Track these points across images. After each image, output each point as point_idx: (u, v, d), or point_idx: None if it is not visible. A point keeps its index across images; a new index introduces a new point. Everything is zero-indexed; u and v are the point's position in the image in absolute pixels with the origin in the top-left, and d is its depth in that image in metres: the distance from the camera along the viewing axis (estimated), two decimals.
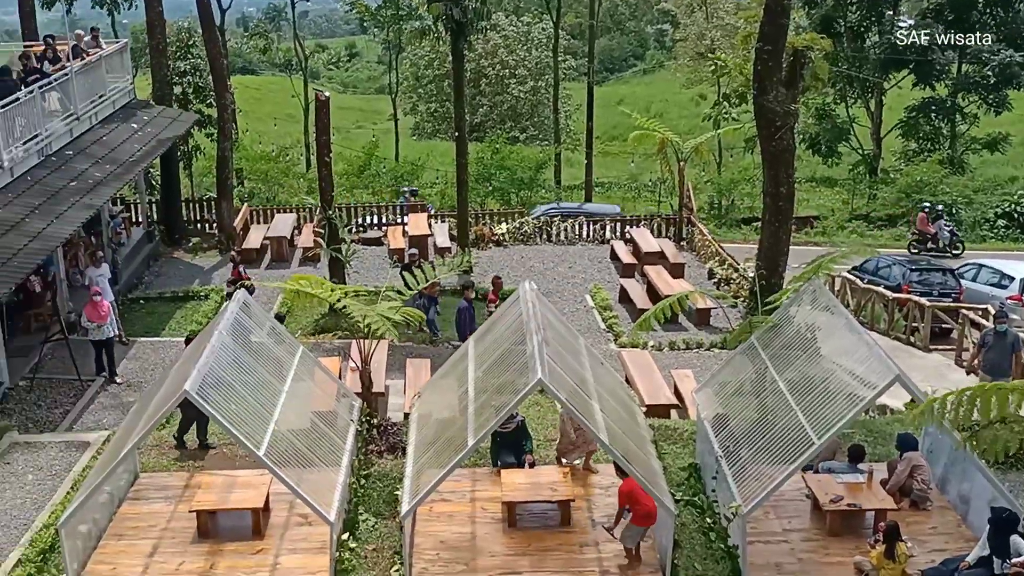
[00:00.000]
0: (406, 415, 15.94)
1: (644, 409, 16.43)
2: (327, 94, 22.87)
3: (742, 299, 23.71)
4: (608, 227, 30.40)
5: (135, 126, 25.83)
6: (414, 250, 23.44)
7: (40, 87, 21.29)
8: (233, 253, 23.34)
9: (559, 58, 48.37)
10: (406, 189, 34.41)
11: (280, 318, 18.60)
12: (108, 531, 12.96)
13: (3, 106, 19.55)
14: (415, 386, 17.29)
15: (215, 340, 13.00)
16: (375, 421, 15.44)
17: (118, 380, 18.85)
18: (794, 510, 13.45)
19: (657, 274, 25.51)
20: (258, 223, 30.33)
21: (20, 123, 20.46)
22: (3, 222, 17.94)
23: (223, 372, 12.49)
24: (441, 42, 42.70)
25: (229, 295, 20.53)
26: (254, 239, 28.20)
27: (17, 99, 20.21)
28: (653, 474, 12.47)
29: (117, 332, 19.70)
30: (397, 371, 19.02)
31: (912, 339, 23.19)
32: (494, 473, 14.20)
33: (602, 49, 75.92)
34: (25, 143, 20.53)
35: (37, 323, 20.62)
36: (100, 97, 25.03)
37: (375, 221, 30.73)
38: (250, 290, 19.62)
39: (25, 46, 27.29)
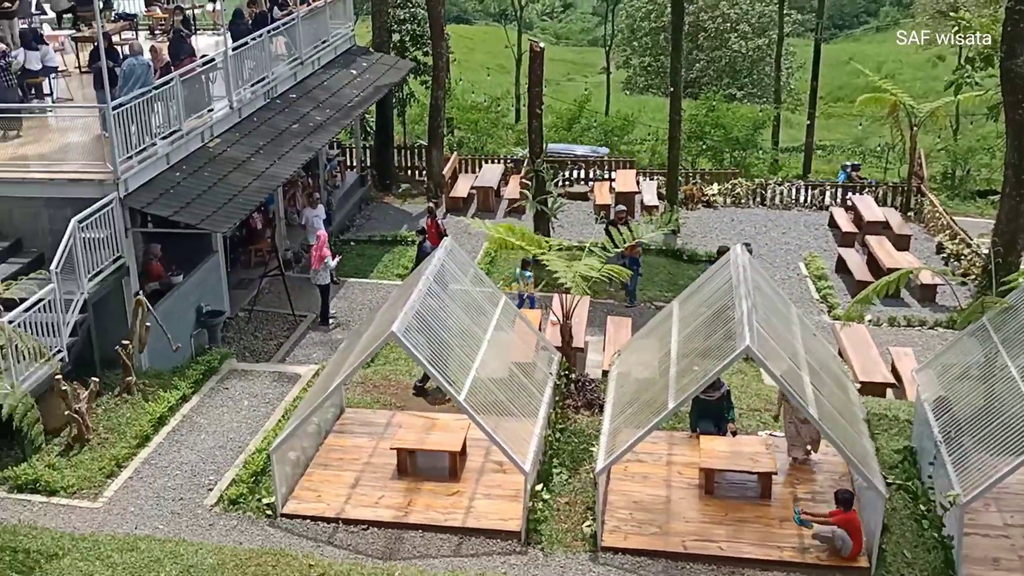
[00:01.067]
0: (605, 372, 16.07)
1: (858, 386, 15.89)
2: (542, 45, 23.05)
3: (973, 277, 22.35)
4: (828, 192, 29.29)
5: (354, 72, 26.91)
6: (621, 207, 23.38)
7: (269, 31, 22.52)
8: (431, 204, 23.77)
9: (784, 12, 46.60)
10: (848, 164, 33.70)
11: (526, 263, 19.06)
12: (314, 460, 13.82)
13: (235, 49, 20.83)
14: (615, 344, 17.38)
15: (422, 285, 13.51)
16: (573, 376, 15.65)
17: (330, 321, 19.89)
18: (1018, 505, 12.70)
19: (879, 245, 24.39)
20: (466, 172, 31.07)
21: (249, 66, 21.75)
22: (231, 160, 19.18)
23: (428, 316, 12.98)
24: None
25: (420, 246, 21.05)
26: (461, 188, 28.94)
27: (247, 43, 21.50)
28: (865, 454, 12.07)
29: (332, 274, 20.87)
30: (598, 327, 19.18)
31: None
32: (692, 438, 14.13)
33: (832, 4, 72.43)
34: (253, 85, 21.82)
35: (257, 258, 22.07)
36: (323, 43, 26.19)
37: (582, 175, 30.88)
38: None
39: None
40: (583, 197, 29.15)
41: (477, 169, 31.06)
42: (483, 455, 13.84)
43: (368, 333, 13.82)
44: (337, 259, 20.12)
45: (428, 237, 21.69)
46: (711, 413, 14.19)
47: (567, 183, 30.16)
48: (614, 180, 29.43)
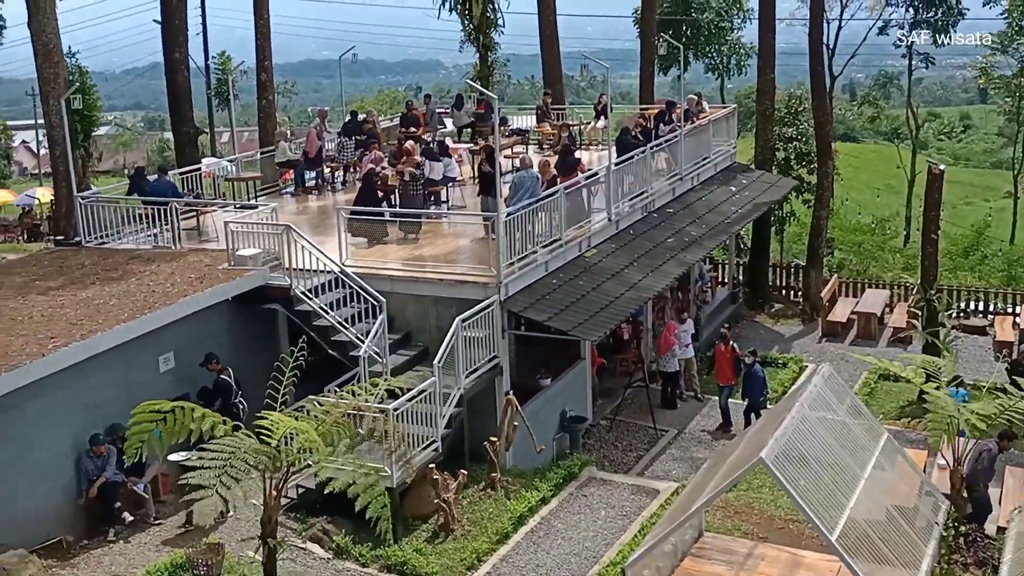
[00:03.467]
0: (1001, 529, 14.59)
1: None
2: (942, 167, 22.08)
3: None
4: None
5: (733, 189, 27.17)
6: None
7: (651, 148, 23.37)
8: (725, 328, 22.87)
9: None
10: None
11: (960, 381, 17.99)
12: None
13: (618, 164, 21.80)
14: (1014, 498, 15.79)
15: (796, 411, 13.12)
16: (963, 529, 14.32)
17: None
18: None
19: None
20: (846, 296, 30.02)
21: (629, 180, 22.64)
22: (606, 270, 19.94)
23: (800, 445, 12.54)
24: None
25: (750, 368, 20.30)
26: (840, 312, 27.94)
27: (631, 158, 22.44)
28: None
29: (696, 389, 20.98)
30: (994, 478, 17.50)
31: None
32: None
33: None
34: (632, 199, 22.64)
35: (621, 368, 22.60)
36: (704, 159, 26.76)
37: (981, 307, 28.78)
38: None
39: (641, 109, 30.33)
40: (981, 331, 27.10)
41: (859, 293, 29.96)
42: None
43: (734, 456, 13.59)
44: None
45: (717, 363, 21.08)
46: None
47: (963, 314, 28.25)
48: (1019, 315, 27.11)
